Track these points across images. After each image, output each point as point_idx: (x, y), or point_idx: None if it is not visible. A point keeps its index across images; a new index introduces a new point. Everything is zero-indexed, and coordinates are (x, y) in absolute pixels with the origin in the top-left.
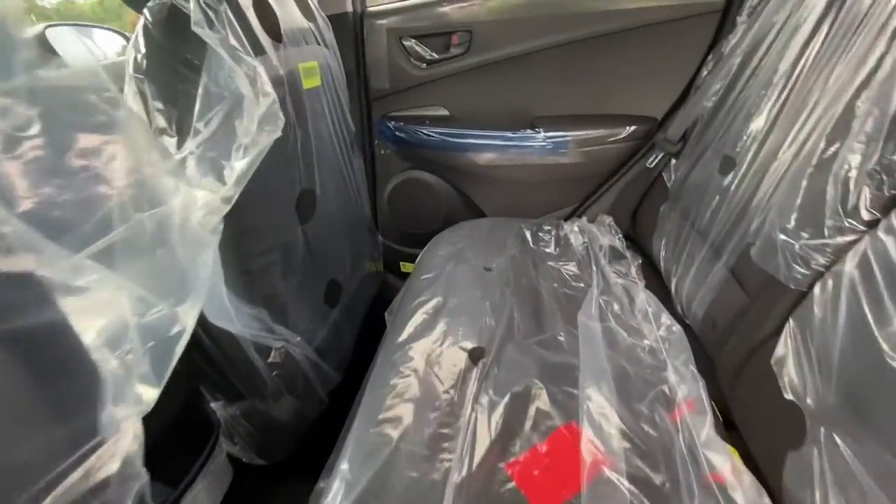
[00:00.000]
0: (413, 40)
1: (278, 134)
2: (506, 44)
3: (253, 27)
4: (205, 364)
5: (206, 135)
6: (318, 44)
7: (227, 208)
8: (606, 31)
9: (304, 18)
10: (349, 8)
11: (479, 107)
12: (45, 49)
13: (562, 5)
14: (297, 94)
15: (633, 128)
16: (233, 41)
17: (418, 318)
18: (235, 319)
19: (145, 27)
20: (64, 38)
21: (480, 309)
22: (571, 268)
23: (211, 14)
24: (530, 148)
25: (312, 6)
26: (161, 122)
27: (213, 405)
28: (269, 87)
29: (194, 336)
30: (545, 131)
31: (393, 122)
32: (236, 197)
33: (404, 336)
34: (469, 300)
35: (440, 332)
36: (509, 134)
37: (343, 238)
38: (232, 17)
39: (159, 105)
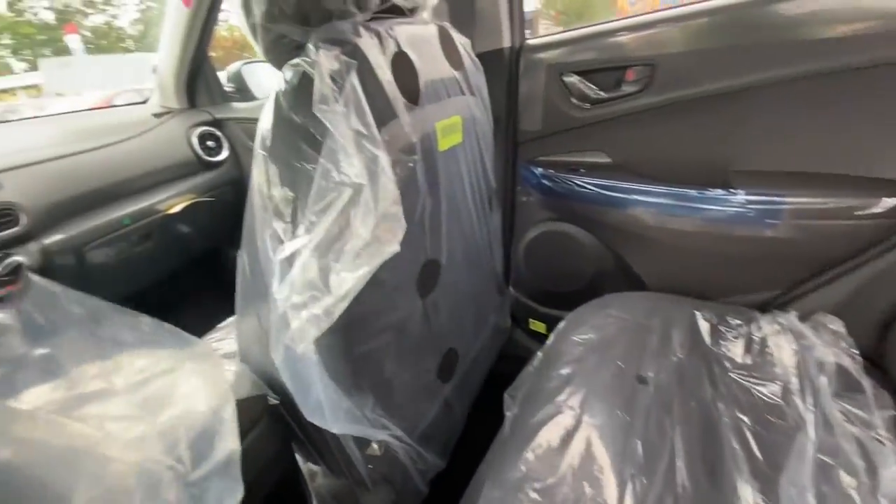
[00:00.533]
0: (576, 76)
1: (396, 249)
2: (702, 80)
3: (387, 93)
4: (301, 433)
5: (318, 230)
6: (463, 93)
7: (330, 322)
8: (869, 63)
9: (451, 68)
10: (506, 44)
11: (652, 155)
12: (240, 83)
13: (800, 29)
14: (431, 158)
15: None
16: (355, 121)
17: (542, 439)
18: (332, 419)
19: (276, 94)
20: (258, 74)
21: (628, 449)
22: (771, 392)
23: (335, 89)
24: (721, 212)
25: (462, 50)
26: (280, 205)
27: (308, 472)
28: (391, 184)
29: (293, 408)
30: (747, 193)
31: (540, 169)
32: (340, 312)
33: (522, 470)
34: (613, 430)
35: (569, 481)
36: (692, 192)
37: (467, 303)
38: (359, 87)
39: (278, 185)
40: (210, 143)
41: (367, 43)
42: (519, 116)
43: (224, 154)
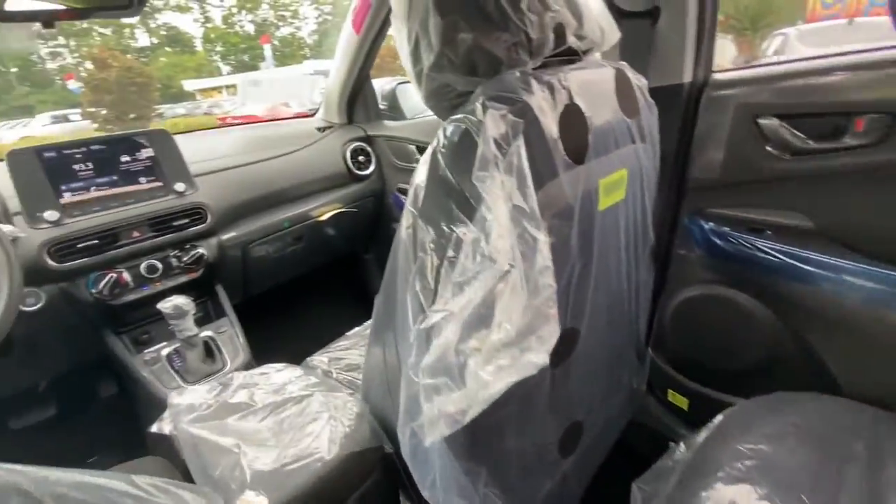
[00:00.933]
0: (777, 120)
1: (545, 362)
2: None
3: (551, 152)
4: (409, 484)
5: (461, 305)
6: (634, 142)
7: (463, 423)
8: None
9: (624, 115)
10: (687, 78)
11: (880, 228)
12: (393, 102)
13: None
14: (588, 219)
15: None
16: (517, 195)
17: None
18: (444, 493)
19: (434, 150)
20: (408, 94)
21: None
22: None
23: (498, 155)
24: None
25: (639, 94)
26: (425, 267)
27: None
28: (548, 275)
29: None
30: None
31: (711, 223)
32: (475, 416)
33: None
34: None
35: None
36: None
37: (601, 370)
38: (524, 155)
39: (424, 247)
40: (360, 158)
41: (538, 98)
42: (691, 161)
43: (370, 168)
